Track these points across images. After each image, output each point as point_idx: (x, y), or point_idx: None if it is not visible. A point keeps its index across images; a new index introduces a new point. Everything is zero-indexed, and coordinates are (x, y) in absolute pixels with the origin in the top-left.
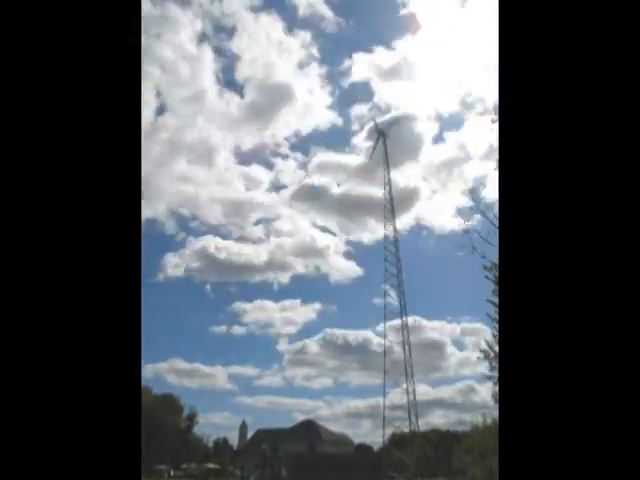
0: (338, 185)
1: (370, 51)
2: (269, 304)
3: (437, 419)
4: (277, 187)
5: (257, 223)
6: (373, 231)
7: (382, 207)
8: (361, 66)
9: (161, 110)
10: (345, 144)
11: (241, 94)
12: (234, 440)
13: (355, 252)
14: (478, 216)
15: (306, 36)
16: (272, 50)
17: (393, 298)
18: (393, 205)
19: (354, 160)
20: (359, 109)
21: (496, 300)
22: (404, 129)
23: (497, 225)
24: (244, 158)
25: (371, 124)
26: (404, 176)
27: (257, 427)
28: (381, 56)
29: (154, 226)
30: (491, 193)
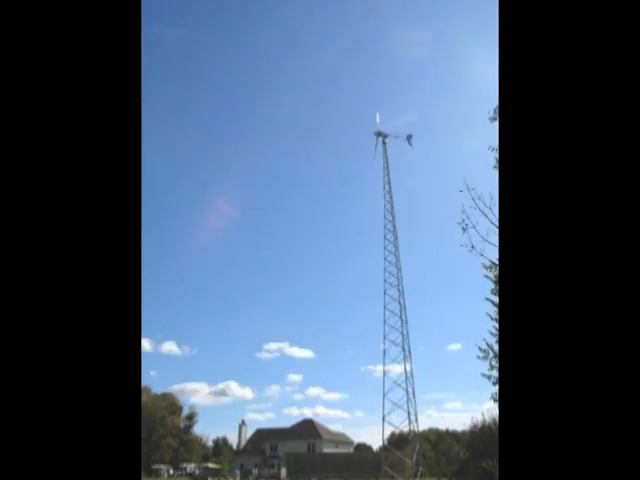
0: None
1: None
2: None
3: None
4: None
5: None
6: None
7: None
8: None
9: None
10: None
11: None
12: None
13: None
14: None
15: None
16: None
17: (393, 297)
18: (393, 211)
19: None
20: None
21: (495, 299)
22: None
23: (497, 225)
24: None
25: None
26: None
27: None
28: None
29: None
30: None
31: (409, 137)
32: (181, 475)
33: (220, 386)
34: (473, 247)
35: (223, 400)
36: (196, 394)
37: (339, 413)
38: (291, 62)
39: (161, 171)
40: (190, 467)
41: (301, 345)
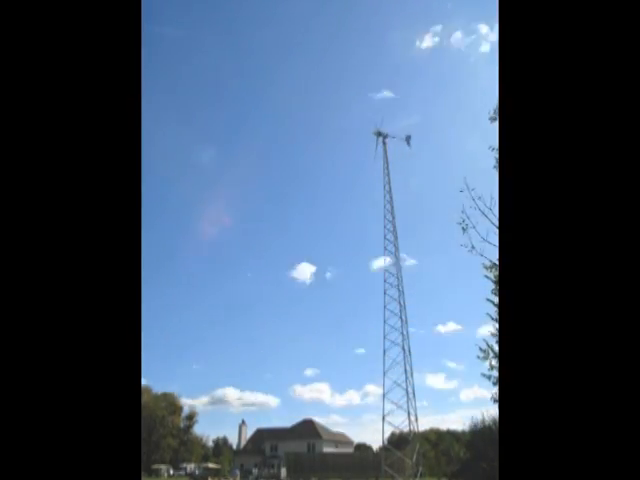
0: None
1: None
2: None
3: None
4: None
5: None
6: None
7: None
8: None
9: None
10: None
11: None
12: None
13: None
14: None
15: None
16: None
17: (393, 298)
18: (393, 211)
19: None
20: None
21: (496, 300)
22: None
23: (497, 225)
24: None
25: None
26: None
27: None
28: None
29: None
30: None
31: (408, 138)
32: (181, 475)
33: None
34: (473, 247)
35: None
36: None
37: (344, 419)
38: (291, 62)
39: (161, 173)
40: (190, 467)
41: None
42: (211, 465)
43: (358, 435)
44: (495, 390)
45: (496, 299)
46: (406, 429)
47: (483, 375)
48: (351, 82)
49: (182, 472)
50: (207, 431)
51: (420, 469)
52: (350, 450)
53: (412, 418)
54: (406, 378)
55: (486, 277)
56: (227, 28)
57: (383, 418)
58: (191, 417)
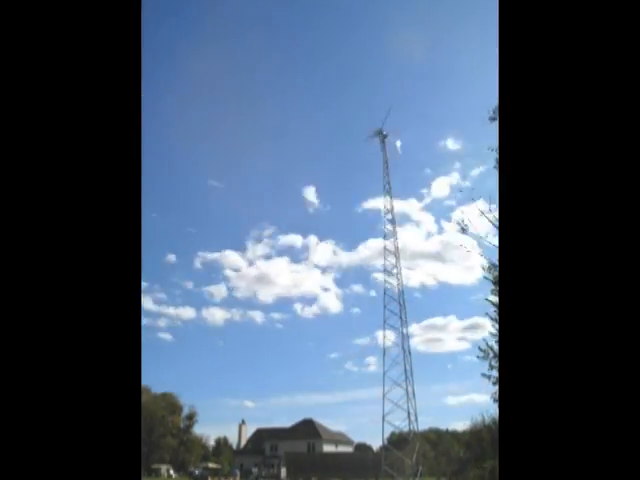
0: None
1: None
2: None
3: None
4: None
5: None
6: None
7: None
8: None
9: None
10: None
11: None
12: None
13: None
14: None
15: None
16: None
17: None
18: (393, 212)
19: None
20: None
21: (495, 300)
22: None
23: (497, 225)
24: None
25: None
26: None
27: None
28: None
29: None
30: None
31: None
32: (181, 476)
33: None
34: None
35: None
36: None
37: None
38: (292, 65)
39: (162, 174)
40: (190, 470)
41: None
42: (211, 465)
43: (358, 435)
44: (495, 390)
45: (496, 299)
46: (406, 429)
47: (483, 375)
48: (354, 84)
49: (189, 474)
50: (207, 431)
51: (420, 469)
52: (350, 450)
53: (412, 418)
54: (406, 378)
55: (485, 277)
56: (226, 31)
57: (383, 418)
58: (191, 417)
